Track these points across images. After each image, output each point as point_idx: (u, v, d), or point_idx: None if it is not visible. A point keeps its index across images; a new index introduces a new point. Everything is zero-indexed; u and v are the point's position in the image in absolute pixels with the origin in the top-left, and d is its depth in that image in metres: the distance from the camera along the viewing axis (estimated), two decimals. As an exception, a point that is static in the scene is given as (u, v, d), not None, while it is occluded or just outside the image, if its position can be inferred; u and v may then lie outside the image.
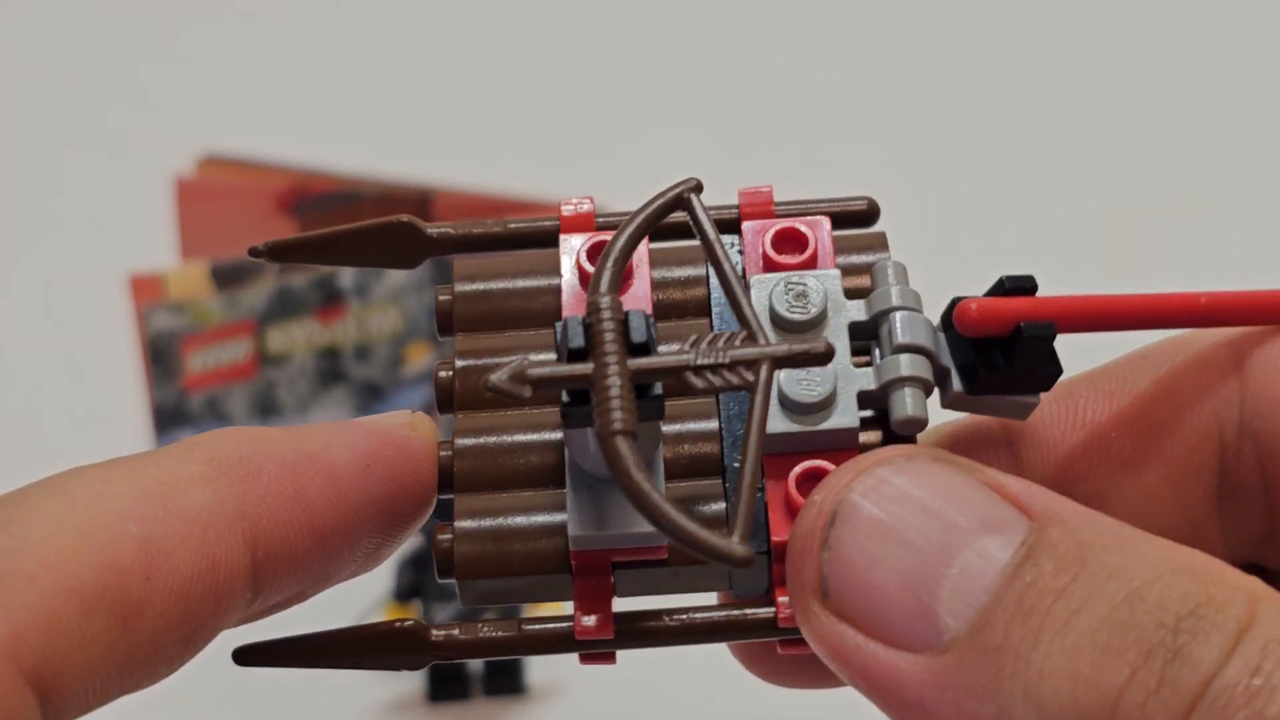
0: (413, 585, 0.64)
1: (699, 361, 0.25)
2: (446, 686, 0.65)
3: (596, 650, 0.27)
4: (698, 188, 0.27)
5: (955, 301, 0.27)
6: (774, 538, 0.26)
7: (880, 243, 0.29)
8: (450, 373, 0.28)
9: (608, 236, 0.28)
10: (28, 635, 0.23)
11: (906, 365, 0.27)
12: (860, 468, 0.25)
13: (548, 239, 0.29)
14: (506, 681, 0.65)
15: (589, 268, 0.28)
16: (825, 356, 0.25)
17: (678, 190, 0.26)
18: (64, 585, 0.23)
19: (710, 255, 0.26)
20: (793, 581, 0.25)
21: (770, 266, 0.28)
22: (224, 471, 0.26)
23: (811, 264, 0.28)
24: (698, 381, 0.25)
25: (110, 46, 1.00)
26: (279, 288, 0.66)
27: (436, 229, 0.29)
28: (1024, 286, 0.27)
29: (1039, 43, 0.97)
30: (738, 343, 0.25)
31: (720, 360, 0.25)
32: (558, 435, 0.27)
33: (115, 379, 0.76)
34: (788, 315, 0.27)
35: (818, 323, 0.27)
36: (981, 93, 0.92)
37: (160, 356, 0.66)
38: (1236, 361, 0.29)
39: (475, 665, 0.65)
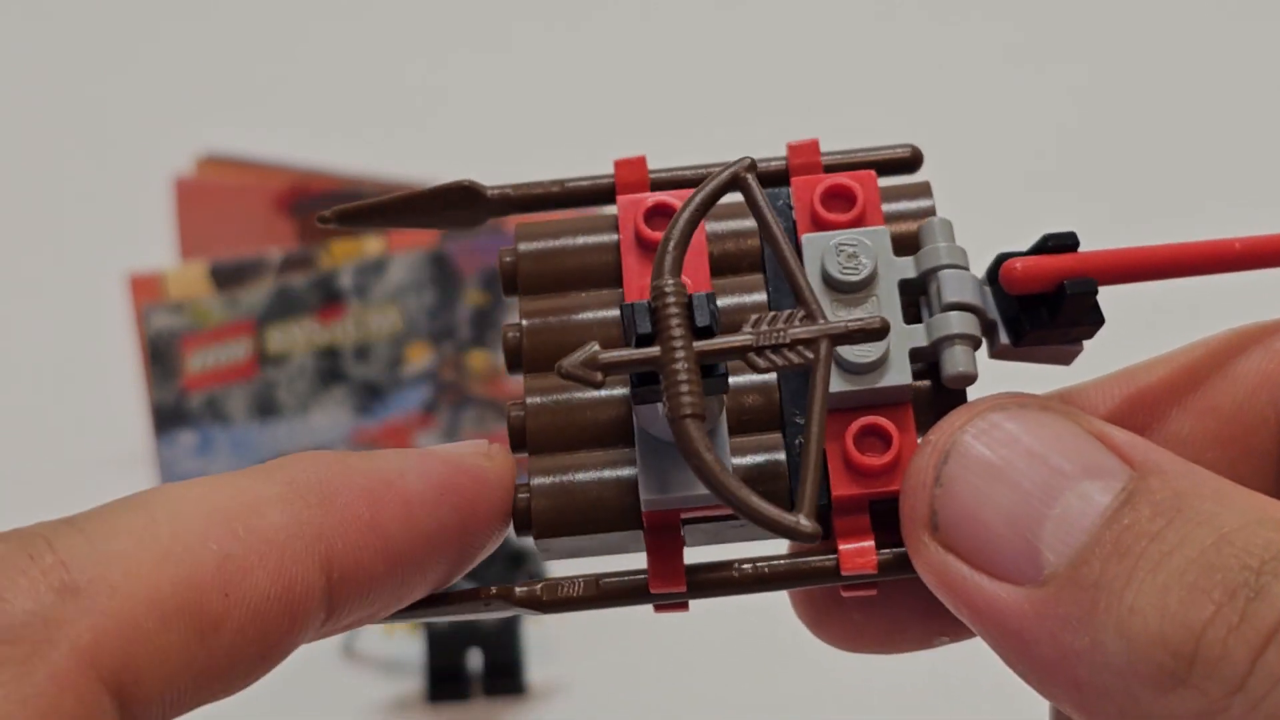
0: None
1: (761, 343, 0.26)
2: (446, 686, 0.64)
3: (670, 601, 0.28)
4: (751, 166, 0.28)
5: (1001, 258, 0.28)
6: (835, 491, 0.27)
7: (925, 190, 0.30)
8: (518, 334, 0.29)
9: (663, 197, 0.29)
10: (108, 643, 0.23)
11: (956, 323, 0.28)
12: (974, 412, 0.26)
13: (604, 196, 0.30)
14: (506, 682, 0.64)
15: (646, 230, 0.29)
16: (881, 333, 0.26)
17: (733, 169, 0.27)
18: (144, 596, 0.24)
19: (766, 236, 0.27)
20: (905, 514, 0.27)
21: (819, 224, 0.29)
22: (302, 494, 0.26)
23: (859, 220, 0.29)
24: (760, 362, 0.26)
25: (110, 46, 1.00)
26: (278, 288, 0.66)
27: (496, 190, 0.30)
28: (1066, 244, 0.28)
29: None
30: (797, 322, 0.26)
31: (781, 340, 0.26)
32: (624, 391, 0.28)
33: (115, 379, 0.76)
34: (840, 276, 0.28)
35: (869, 282, 0.28)
36: (1012, 46, 0.92)
37: (160, 356, 0.66)
38: None
39: (475, 665, 0.65)
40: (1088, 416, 0.26)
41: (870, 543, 0.27)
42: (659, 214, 0.29)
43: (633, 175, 0.30)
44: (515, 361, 0.29)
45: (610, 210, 0.30)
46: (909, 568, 0.27)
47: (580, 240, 0.30)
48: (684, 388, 0.25)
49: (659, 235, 0.29)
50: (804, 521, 0.25)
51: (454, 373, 0.71)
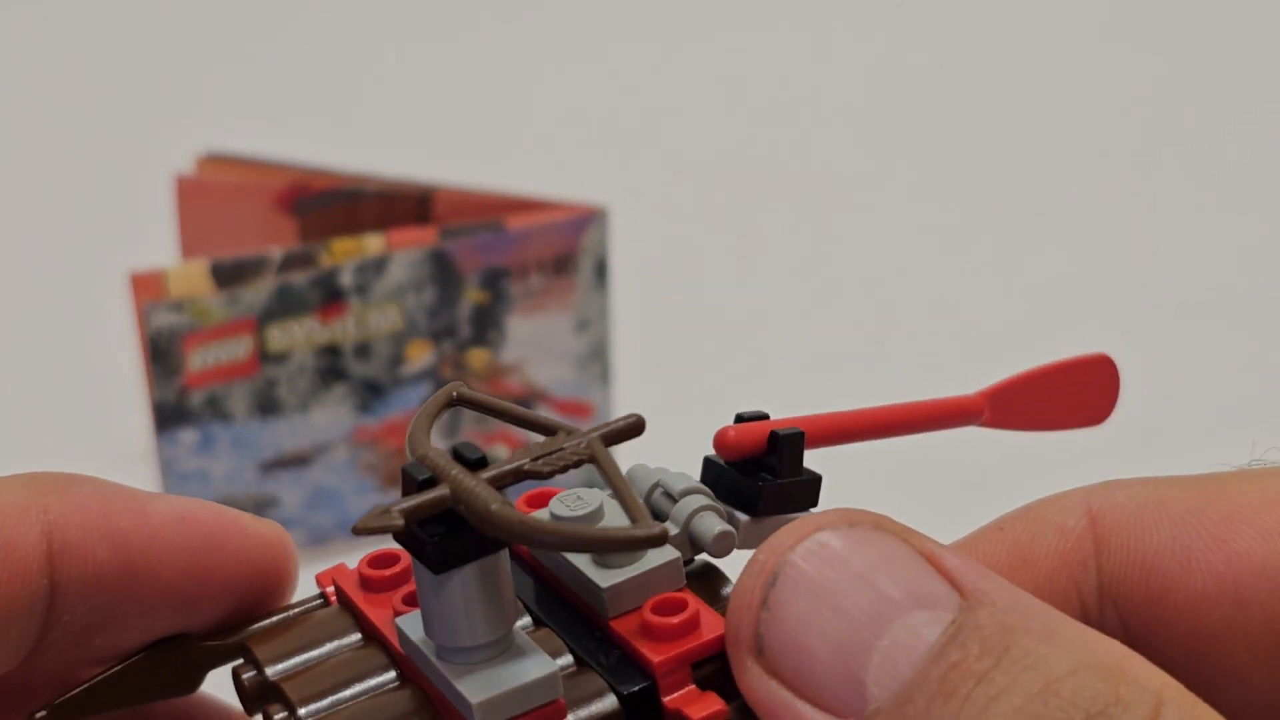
0: None
1: (537, 455, 0.26)
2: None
3: None
4: (461, 386, 0.28)
5: (707, 459, 0.30)
6: (654, 659, 0.27)
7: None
8: None
9: (387, 549, 0.30)
10: None
11: (696, 500, 0.29)
12: (804, 531, 0.26)
13: (317, 608, 0.31)
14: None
15: (371, 572, 0.30)
16: (638, 425, 0.27)
17: (448, 390, 0.28)
18: None
19: (500, 414, 0.28)
20: (730, 635, 0.26)
21: (537, 503, 0.30)
22: (36, 481, 0.29)
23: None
24: (544, 468, 0.26)
25: (111, 46, 1.00)
26: (279, 286, 0.67)
27: (212, 642, 0.30)
28: (759, 416, 0.30)
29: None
30: (563, 436, 0.27)
31: (555, 448, 0.26)
32: None
33: (115, 377, 0.76)
34: (571, 514, 0.29)
35: (599, 512, 0.29)
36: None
37: (161, 354, 0.66)
38: (1090, 527, 0.30)
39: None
40: (920, 535, 0.26)
41: (709, 693, 0.27)
42: (379, 564, 0.30)
43: (343, 584, 0.30)
44: None
45: (332, 607, 0.31)
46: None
47: (326, 645, 0.30)
48: (481, 491, 0.25)
49: (382, 571, 0.30)
50: (649, 526, 0.25)
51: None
